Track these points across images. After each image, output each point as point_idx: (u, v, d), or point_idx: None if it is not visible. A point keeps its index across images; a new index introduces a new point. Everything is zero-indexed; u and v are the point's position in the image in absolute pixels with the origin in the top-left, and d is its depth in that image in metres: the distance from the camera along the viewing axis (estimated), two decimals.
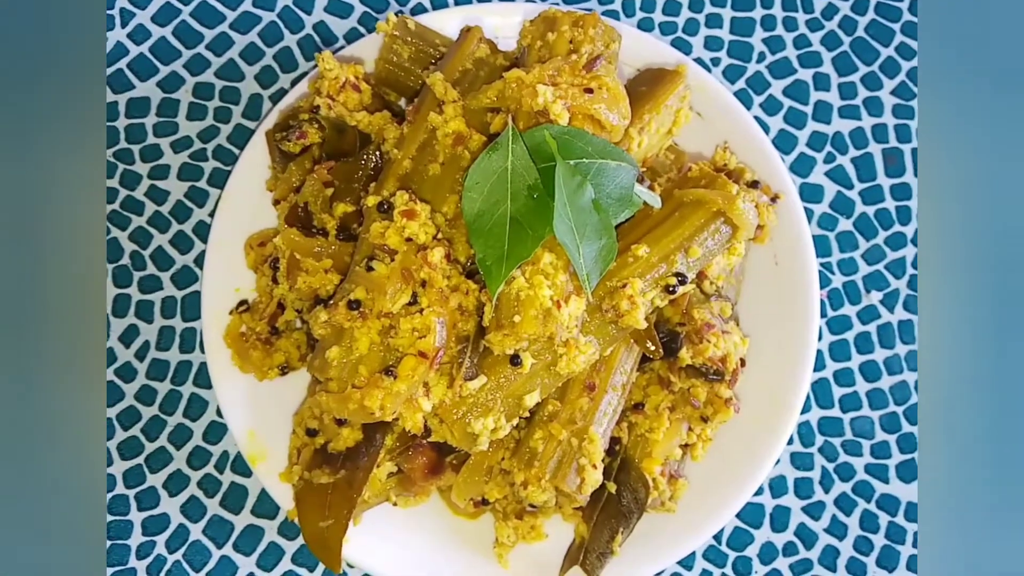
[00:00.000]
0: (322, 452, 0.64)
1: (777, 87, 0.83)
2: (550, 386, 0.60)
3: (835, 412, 0.78)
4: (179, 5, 0.82)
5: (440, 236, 0.59)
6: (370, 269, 0.57)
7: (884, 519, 0.76)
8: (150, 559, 0.73)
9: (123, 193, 0.79)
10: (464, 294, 0.57)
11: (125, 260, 0.78)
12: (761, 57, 0.84)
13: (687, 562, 0.75)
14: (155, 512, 0.74)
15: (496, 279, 0.54)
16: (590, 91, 0.58)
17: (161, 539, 0.74)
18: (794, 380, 0.69)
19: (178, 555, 0.74)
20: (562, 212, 0.54)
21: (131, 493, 0.74)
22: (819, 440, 0.77)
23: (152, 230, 0.79)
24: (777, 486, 0.76)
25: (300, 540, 0.74)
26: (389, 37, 0.68)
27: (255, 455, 0.68)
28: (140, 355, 0.77)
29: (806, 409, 0.78)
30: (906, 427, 0.78)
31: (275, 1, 0.83)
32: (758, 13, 0.84)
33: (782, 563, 0.75)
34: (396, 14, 0.77)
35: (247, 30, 0.82)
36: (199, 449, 0.75)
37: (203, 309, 0.70)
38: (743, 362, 0.67)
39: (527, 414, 0.60)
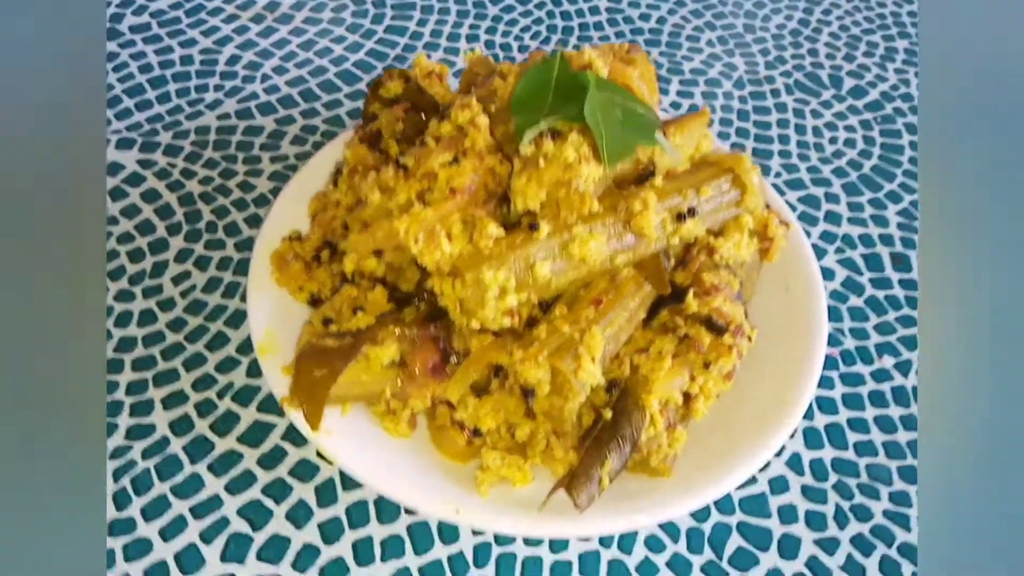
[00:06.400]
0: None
1: (792, 196, 0.95)
2: (560, 273, 0.63)
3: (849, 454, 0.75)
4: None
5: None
6: (423, 144, 0.66)
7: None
8: (122, 461, 0.70)
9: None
10: (499, 161, 0.65)
11: (201, 225, 0.88)
12: (778, 174, 0.97)
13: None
14: (144, 421, 0.73)
15: (531, 126, 0.62)
16: (627, 64, 0.71)
17: (139, 445, 0.71)
18: (801, 376, 0.69)
19: (150, 463, 0.71)
20: (592, 103, 0.64)
21: (128, 400, 0.74)
22: (832, 478, 0.73)
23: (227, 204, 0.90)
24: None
25: (274, 472, 0.71)
26: (471, 62, 0.85)
27: (265, 347, 0.69)
28: (184, 294, 0.82)
29: (819, 445, 0.75)
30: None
31: None
32: (776, 147, 1.00)
33: None
34: None
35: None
36: (207, 376, 0.76)
37: (260, 237, 0.77)
38: (751, 339, 0.69)
39: (536, 299, 0.63)
